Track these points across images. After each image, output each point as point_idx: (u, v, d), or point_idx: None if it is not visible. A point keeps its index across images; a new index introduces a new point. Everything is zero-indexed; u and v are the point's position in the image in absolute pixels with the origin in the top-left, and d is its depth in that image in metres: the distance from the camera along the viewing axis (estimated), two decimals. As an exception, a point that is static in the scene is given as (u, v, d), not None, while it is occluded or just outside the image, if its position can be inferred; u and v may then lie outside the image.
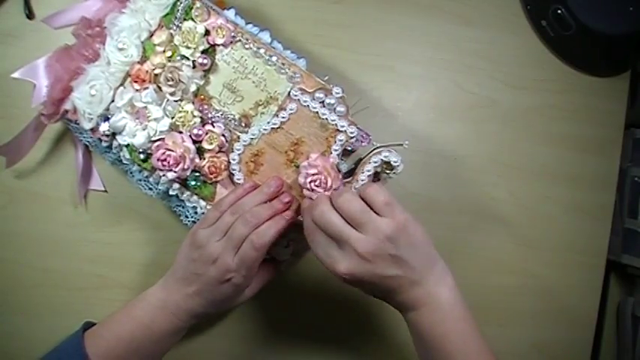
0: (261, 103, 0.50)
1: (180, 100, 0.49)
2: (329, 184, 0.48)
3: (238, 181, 0.50)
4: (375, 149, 0.49)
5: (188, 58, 0.48)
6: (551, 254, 0.63)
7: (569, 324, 0.63)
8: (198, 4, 0.48)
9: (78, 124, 0.50)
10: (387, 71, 0.62)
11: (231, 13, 0.50)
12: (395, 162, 0.47)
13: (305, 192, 0.49)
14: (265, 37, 0.50)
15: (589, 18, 0.58)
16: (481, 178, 0.62)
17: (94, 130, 0.49)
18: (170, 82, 0.48)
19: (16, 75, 0.53)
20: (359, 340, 0.61)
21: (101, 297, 0.59)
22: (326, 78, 0.50)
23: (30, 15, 0.58)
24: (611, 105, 0.64)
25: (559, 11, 0.59)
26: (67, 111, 0.50)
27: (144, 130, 0.48)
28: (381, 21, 0.62)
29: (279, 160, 0.50)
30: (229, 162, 0.50)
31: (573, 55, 0.63)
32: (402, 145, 0.48)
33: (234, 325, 0.60)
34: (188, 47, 0.48)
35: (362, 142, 0.50)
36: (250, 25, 0.50)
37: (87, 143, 0.53)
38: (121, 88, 0.49)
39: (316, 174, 0.48)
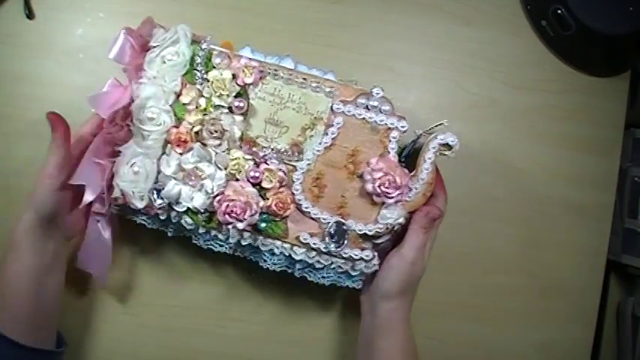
0: (307, 127, 0.49)
1: (228, 149, 0.48)
2: (398, 181, 0.47)
3: (307, 210, 0.48)
4: (425, 135, 0.49)
5: (224, 106, 0.48)
6: (551, 254, 0.63)
7: (570, 324, 0.63)
8: (215, 52, 0.48)
9: (130, 207, 0.49)
10: (387, 71, 0.62)
11: (247, 51, 0.49)
12: (452, 141, 0.48)
13: (375, 199, 0.48)
14: (288, 63, 0.49)
15: (589, 18, 0.58)
16: (481, 178, 0.62)
17: (148, 207, 0.48)
18: (215, 135, 0.47)
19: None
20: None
21: (101, 297, 0.59)
22: (353, 79, 0.50)
23: (30, 15, 0.58)
24: (611, 105, 0.64)
25: (559, 11, 0.59)
26: (116, 199, 0.49)
27: (200, 190, 0.47)
28: (380, 21, 0.62)
29: (340, 177, 0.49)
30: (293, 194, 0.49)
31: (573, 55, 0.63)
32: (442, 124, 0.49)
33: (233, 324, 0.60)
34: (220, 96, 0.47)
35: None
36: (269, 57, 0.50)
37: (143, 222, 0.51)
38: (164, 156, 0.48)
39: (383, 176, 0.47)
